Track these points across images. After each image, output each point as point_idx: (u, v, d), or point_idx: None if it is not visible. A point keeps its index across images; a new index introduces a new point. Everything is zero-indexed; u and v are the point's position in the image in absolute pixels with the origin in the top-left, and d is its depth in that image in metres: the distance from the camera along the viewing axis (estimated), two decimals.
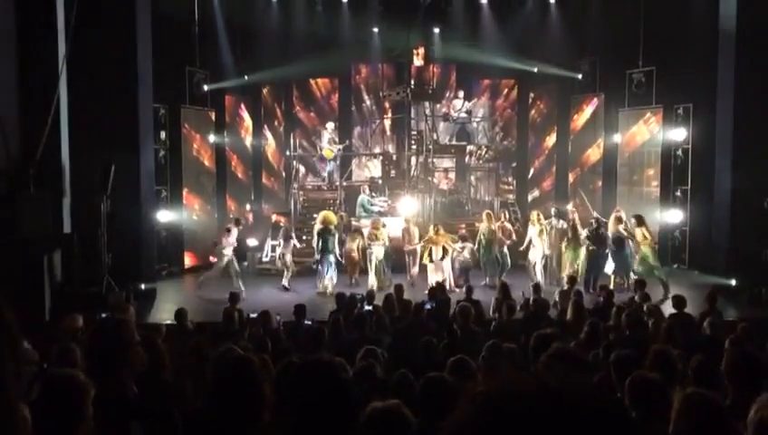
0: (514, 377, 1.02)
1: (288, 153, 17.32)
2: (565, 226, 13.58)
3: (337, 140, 17.06)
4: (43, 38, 11.66)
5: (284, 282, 13.42)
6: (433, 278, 12.43)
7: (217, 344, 5.65)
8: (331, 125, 16.86)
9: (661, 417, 3.16)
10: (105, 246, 12.36)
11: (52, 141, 11.47)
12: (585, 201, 14.73)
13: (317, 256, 13.14)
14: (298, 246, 14.01)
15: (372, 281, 13.04)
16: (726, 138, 14.45)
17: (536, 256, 13.67)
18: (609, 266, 13.16)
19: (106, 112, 12.57)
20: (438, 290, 9.91)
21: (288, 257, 13.69)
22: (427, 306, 8.42)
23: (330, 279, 13.16)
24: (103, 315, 8.21)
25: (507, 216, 14.40)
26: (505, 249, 13.70)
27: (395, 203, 15.95)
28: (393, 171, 17.36)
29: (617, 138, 16.64)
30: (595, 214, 13.84)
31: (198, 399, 3.82)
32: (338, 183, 16.66)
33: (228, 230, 13.32)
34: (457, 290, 12.74)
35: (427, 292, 10.46)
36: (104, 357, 2.70)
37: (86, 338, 3.10)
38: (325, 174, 17.00)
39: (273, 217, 16.25)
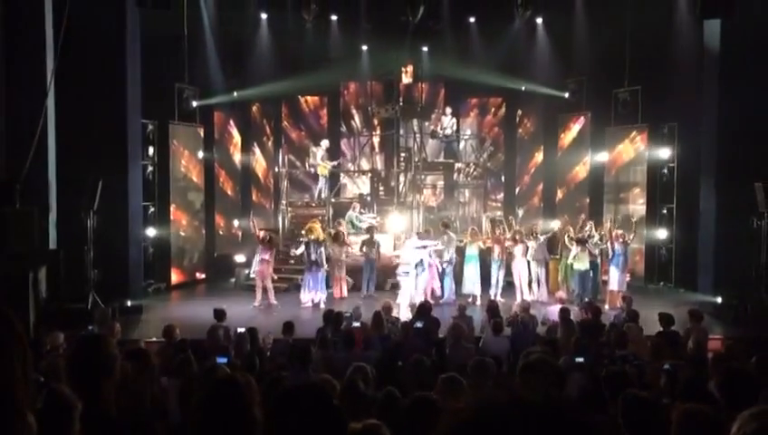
0: (493, 393, 1.04)
1: (277, 170, 17.28)
2: (542, 238, 13.63)
3: (326, 157, 17.04)
4: (31, 54, 11.64)
5: (271, 299, 13.30)
6: (404, 299, 12.19)
7: (202, 362, 5.61)
8: (325, 142, 16.86)
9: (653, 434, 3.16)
10: (91, 263, 12.26)
11: (39, 157, 11.43)
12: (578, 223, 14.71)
13: (306, 267, 13.16)
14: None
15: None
16: (711, 157, 14.63)
17: (520, 272, 13.64)
18: (615, 280, 13.22)
19: (94, 128, 12.54)
20: (426, 308, 9.73)
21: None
22: (417, 325, 8.36)
23: (317, 292, 13.09)
24: (86, 332, 8.17)
25: (504, 229, 14.29)
26: (494, 263, 13.63)
27: (383, 220, 15.96)
28: (382, 188, 17.36)
29: (603, 156, 16.72)
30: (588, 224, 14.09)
31: (184, 417, 3.78)
32: (330, 199, 16.65)
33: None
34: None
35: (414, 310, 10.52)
36: (85, 373, 2.68)
37: (67, 354, 3.10)
38: (316, 191, 16.93)
39: (262, 234, 16.29)
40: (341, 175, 18.32)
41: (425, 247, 13.04)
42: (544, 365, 4.03)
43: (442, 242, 13.60)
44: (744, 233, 12.99)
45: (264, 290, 13.18)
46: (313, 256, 13.20)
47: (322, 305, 12.62)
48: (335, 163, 16.82)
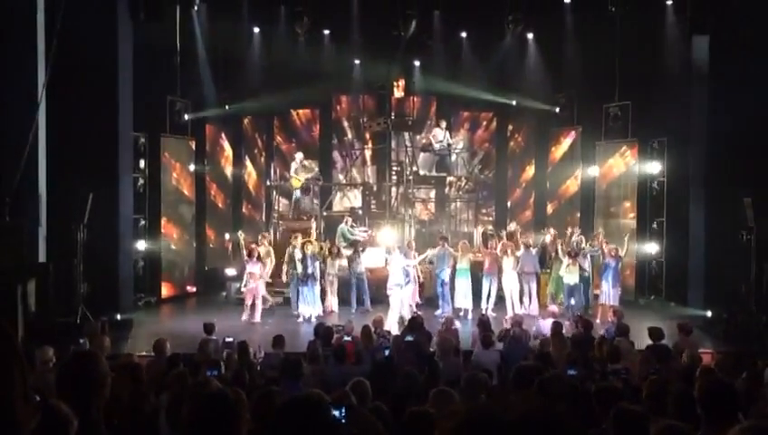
0: (482, 404, 1.05)
1: (268, 183, 17.28)
2: (533, 251, 13.70)
3: (306, 168, 16.94)
4: (23, 65, 11.56)
5: (256, 317, 13.19)
6: (393, 313, 12.27)
7: (194, 376, 5.57)
8: (299, 155, 16.72)
9: None
10: (81, 276, 12.15)
11: (30, 170, 11.35)
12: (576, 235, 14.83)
13: (299, 283, 13.12)
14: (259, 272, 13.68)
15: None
16: (700, 171, 14.69)
17: (511, 285, 13.62)
18: (607, 294, 13.29)
19: (85, 140, 12.48)
20: (418, 322, 9.65)
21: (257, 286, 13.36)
22: (408, 338, 8.32)
23: (310, 306, 13.06)
24: (76, 346, 8.09)
25: (497, 241, 14.25)
26: (485, 277, 13.64)
27: (375, 233, 15.96)
28: (373, 202, 17.39)
29: (594, 170, 16.76)
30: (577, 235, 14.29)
31: (173, 432, 3.75)
32: (316, 213, 16.73)
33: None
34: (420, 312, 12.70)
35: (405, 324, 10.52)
36: (75, 389, 2.67)
37: (57, 370, 3.06)
38: (291, 204, 16.87)
39: (253, 247, 16.29)
40: (334, 188, 18.18)
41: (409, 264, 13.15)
42: (558, 381, 4.02)
43: (437, 255, 13.60)
44: (733, 247, 12.98)
45: (252, 306, 13.15)
46: (310, 269, 13.20)
47: (314, 320, 12.59)
48: (308, 176, 16.60)
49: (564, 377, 4.33)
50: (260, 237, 14.39)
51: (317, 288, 13.30)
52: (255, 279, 13.18)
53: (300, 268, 13.21)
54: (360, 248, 14.38)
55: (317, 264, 13.38)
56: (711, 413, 3.38)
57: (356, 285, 13.93)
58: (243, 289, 13.93)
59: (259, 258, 13.58)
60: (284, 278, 13.89)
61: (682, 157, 14.98)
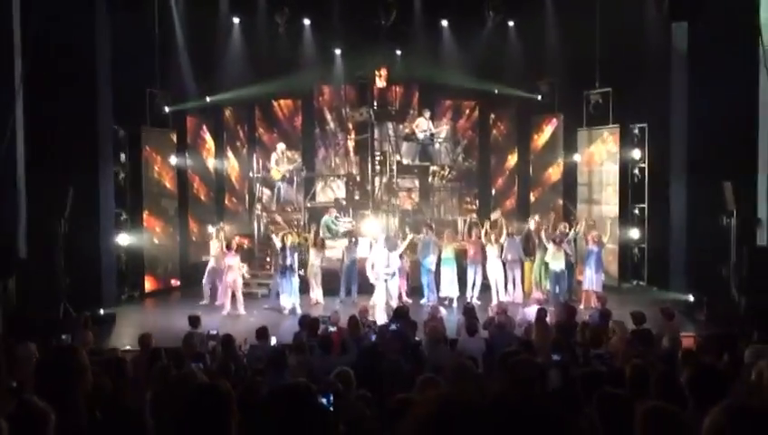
0: (456, 390, 1.05)
1: (251, 175, 17.08)
2: (517, 239, 13.75)
3: (288, 158, 16.81)
4: (0, 59, 11.26)
5: (240, 309, 13.13)
6: (379, 302, 12.22)
7: (179, 369, 5.55)
8: (281, 146, 16.54)
9: (628, 432, 3.21)
10: (62, 271, 12.01)
11: (8, 164, 11.21)
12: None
13: (278, 274, 13.07)
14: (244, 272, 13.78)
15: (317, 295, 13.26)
16: (680, 156, 14.79)
17: (496, 273, 13.66)
18: (590, 280, 13.34)
19: (64, 134, 12.29)
20: (404, 311, 9.72)
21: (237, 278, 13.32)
22: (392, 327, 8.37)
23: (288, 296, 13.01)
24: (59, 341, 8.01)
25: (481, 230, 14.12)
26: (470, 265, 13.66)
27: (359, 224, 15.91)
28: (357, 192, 17.16)
29: (576, 157, 16.75)
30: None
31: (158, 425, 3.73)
32: (305, 204, 16.56)
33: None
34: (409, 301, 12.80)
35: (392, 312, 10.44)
36: (56, 384, 2.65)
37: (37, 365, 3.04)
38: (274, 196, 16.73)
39: (237, 239, 15.78)
40: (317, 179, 18.03)
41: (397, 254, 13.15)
42: (525, 363, 4.05)
43: (423, 241, 13.62)
44: (714, 231, 13.09)
45: (233, 298, 13.14)
46: (289, 261, 13.07)
47: (299, 311, 12.52)
48: (290, 168, 16.41)
49: (534, 361, 4.35)
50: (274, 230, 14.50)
51: (295, 279, 13.19)
52: (233, 272, 13.16)
53: (279, 259, 13.18)
54: (353, 239, 14.37)
55: (296, 255, 13.31)
56: (699, 396, 3.45)
57: (347, 272, 13.83)
58: (204, 284, 13.98)
59: (237, 250, 13.67)
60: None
61: (663, 142, 15.01)
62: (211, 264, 14.07)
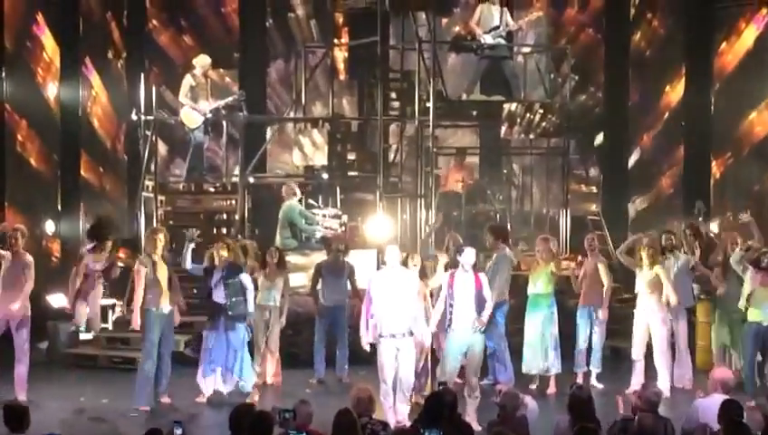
0: None
1: (136, 117, 11.32)
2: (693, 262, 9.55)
3: (213, 85, 11.51)
4: None
5: None
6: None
7: None
8: (203, 60, 11.18)
9: None
10: None
11: None
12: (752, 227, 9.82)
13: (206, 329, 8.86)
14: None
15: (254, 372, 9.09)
16: None
17: (652, 328, 9.08)
18: None
19: None
20: (446, 402, 5.41)
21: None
22: None
23: (231, 374, 8.84)
24: None
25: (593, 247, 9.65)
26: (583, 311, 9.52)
27: (357, 220, 11.30)
28: (352, 155, 12.01)
29: None
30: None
31: None
32: (246, 179, 11.36)
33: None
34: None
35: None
36: None
37: None
38: (192, 151, 11.44)
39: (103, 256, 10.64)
40: (271, 128, 12.69)
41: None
42: None
43: (493, 262, 9.28)
44: None
45: None
46: (222, 297, 8.61)
47: (226, 392, 8.82)
48: (222, 103, 11.11)
49: None
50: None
51: (242, 335, 8.65)
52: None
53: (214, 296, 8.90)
54: (340, 247, 9.89)
55: (241, 281, 8.81)
56: None
57: (328, 319, 9.72)
58: (82, 328, 9.90)
59: (108, 273, 9.35)
60: None
61: None
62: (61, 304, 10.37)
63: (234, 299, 8.56)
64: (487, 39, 10.95)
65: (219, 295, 8.50)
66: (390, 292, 7.52)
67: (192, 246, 8.70)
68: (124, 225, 12.00)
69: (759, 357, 8.60)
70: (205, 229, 10.54)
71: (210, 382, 8.65)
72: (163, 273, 8.19)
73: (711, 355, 9.39)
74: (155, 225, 10.59)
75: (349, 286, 9.49)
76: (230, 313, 8.48)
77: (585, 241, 9.34)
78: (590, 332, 9.10)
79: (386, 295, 7.56)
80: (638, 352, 8.82)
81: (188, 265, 8.46)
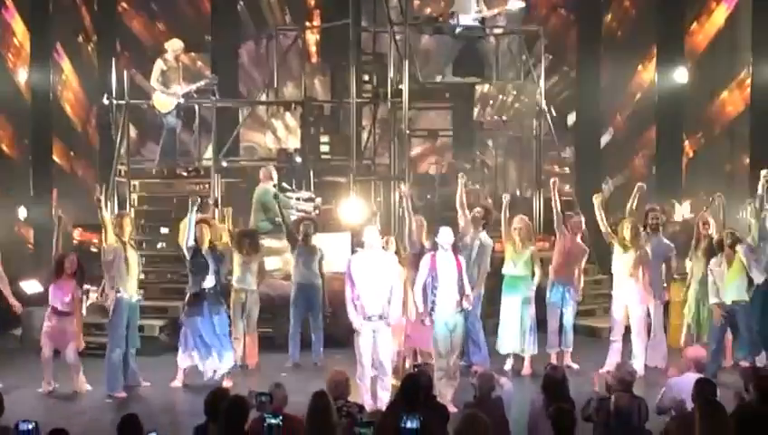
0: None
1: (107, 101, 11.11)
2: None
3: (185, 69, 11.42)
4: None
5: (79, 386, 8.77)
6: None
7: None
8: (174, 44, 11.11)
9: None
10: None
11: None
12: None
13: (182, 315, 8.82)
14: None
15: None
16: None
17: (629, 308, 9.04)
18: None
19: None
20: (422, 384, 5.53)
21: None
22: (408, 424, 4.81)
23: (213, 356, 8.72)
24: None
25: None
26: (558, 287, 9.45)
27: (330, 203, 11.24)
28: (326, 138, 12.08)
29: None
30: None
31: None
32: (220, 163, 11.17)
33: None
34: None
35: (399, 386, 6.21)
36: None
37: None
38: (165, 135, 11.25)
39: (77, 233, 11.73)
40: (242, 111, 12.62)
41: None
42: None
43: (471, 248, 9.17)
44: None
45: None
46: (208, 281, 8.47)
47: (209, 375, 8.64)
48: (194, 87, 10.97)
49: None
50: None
51: (220, 320, 8.61)
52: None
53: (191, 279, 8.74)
54: (311, 230, 9.70)
55: (221, 269, 8.79)
56: None
57: (302, 302, 9.55)
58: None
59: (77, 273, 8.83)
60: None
61: None
62: None
63: (218, 286, 8.55)
64: (462, 21, 10.76)
65: (209, 280, 8.44)
66: (369, 274, 7.46)
67: (194, 217, 8.14)
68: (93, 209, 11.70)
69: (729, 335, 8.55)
70: (177, 214, 10.07)
71: (182, 362, 8.57)
72: (133, 258, 8.00)
73: (683, 334, 9.14)
74: (127, 209, 10.24)
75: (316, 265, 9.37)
76: (216, 296, 8.47)
77: (648, 216, 8.78)
78: (561, 311, 8.99)
79: (364, 277, 7.51)
80: (616, 334, 8.73)
81: (191, 241, 8.13)
